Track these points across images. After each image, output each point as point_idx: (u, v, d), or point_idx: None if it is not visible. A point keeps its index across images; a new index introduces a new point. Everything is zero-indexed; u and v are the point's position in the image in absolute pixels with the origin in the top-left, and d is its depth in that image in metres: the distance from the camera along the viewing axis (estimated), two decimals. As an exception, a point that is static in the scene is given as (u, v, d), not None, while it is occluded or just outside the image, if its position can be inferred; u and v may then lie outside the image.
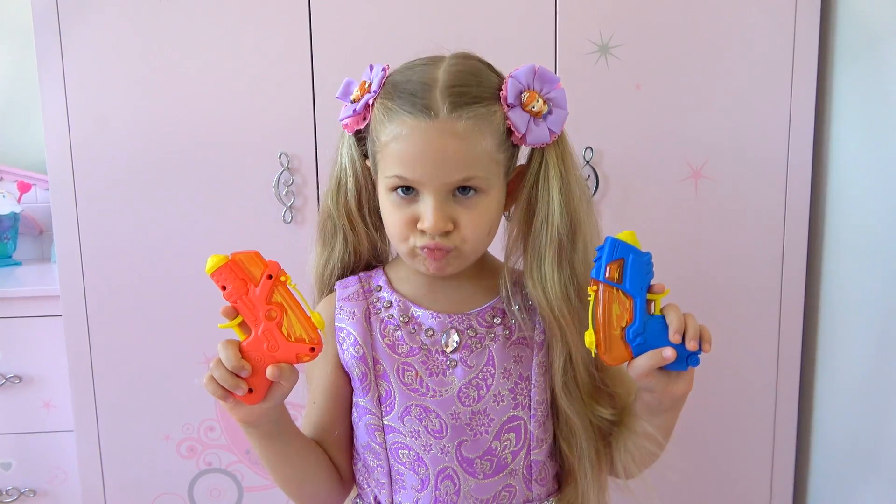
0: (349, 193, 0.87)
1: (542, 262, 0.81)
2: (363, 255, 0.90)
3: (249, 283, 0.74)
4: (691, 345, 0.74)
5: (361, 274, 0.90)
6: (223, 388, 0.74)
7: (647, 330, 0.75)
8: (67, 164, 1.37)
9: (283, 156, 1.38)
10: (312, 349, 0.74)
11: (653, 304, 0.76)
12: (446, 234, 0.78)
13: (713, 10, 1.37)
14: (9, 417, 1.59)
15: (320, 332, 0.75)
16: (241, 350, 0.74)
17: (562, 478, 0.91)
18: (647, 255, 0.76)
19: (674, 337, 0.74)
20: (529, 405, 0.86)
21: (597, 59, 1.38)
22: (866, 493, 1.34)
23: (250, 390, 0.74)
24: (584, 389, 0.85)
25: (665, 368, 0.76)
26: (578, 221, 0.82)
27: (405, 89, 0.78)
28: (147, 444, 1.46)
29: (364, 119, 0.82)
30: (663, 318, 0.75)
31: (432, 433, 0.84)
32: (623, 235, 0.76)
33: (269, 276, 0.74)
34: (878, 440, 1.31)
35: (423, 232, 0.78)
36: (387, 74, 0.81)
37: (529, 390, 0.86)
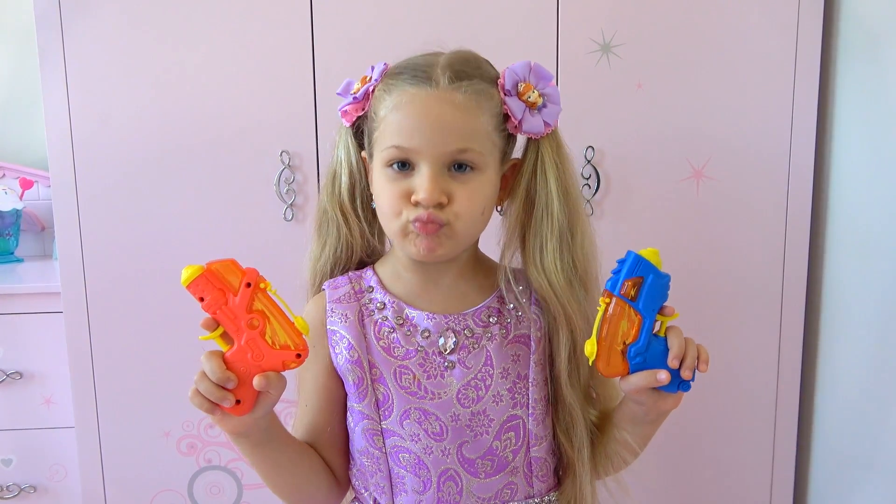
0: (343, 185, 0.87)
1: (544, 251, 0.82)
2: (356, 250, 0.90)
3: (228, 292, 0.72)
4: (686, 374, 0.75)
5: (351, 274, 0.89)
6: (210, 400, 0.73)
7: (649, 350, 0.75)
8: (69, 162, 1.37)
9: (284, 153, 1.38)
10: (298, 355, 0.73)
11: (659, 323, 0.77)
12: (440, 207, 0.78)
13: (715, 9, 1.37)
14: (9, 414, 1.59)
15: (305, 338, 0.73)
16: (225, 361, 0.72)
17: (560, 472, 0.91)
18: (667, 278, 0.76)
19: (672, 362, 0.75)
20: (528, 403, 0.85)
21: (598, 58, 1.38)
22: (867, 494, 1.34)
23: (238, 401, 0.73)
24: (584, 381, 0.86)
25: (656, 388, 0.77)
26: (577, 213, 0.83)
27: (406, 68, 0.80)
28: (147, 441, 1.47)
29: (363, 109, 0.83)
30: (665, 339, 0.76)
31: (432, 436, 0.83)
32: (646, 253, 0.75)
33: (248, 284, 0.72)
34: (880, 441, 1.30)
35: (416, 206, 0.78)
36: (387, 68, 0.82)
37: (528, 389, 0.85)
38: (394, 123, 0.78)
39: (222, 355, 0.73)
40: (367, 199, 0.87)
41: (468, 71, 0.79)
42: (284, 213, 1.40)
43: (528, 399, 0.85)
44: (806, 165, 1.42)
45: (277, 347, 0.72)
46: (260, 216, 1.40)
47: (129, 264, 1.41)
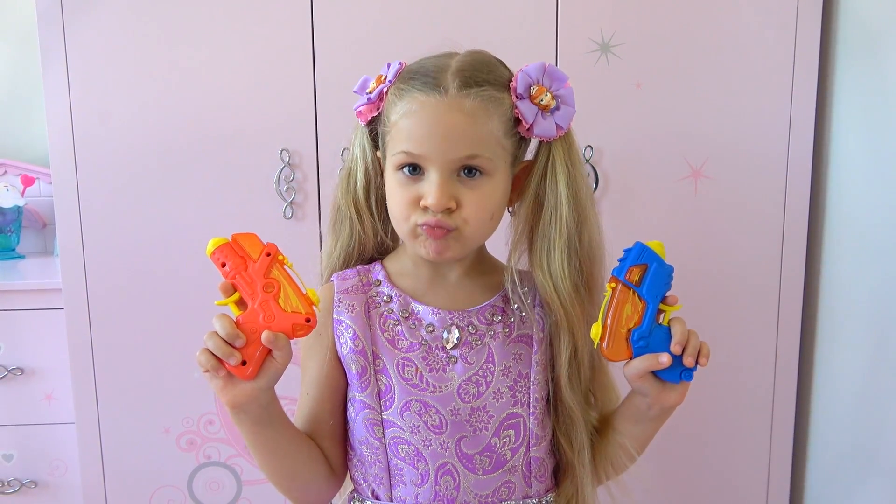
0: (358, 183, 0.88)
1: (551, 254, 0.83)
2: (368, 247, 0.91)
3: (248, 260, 0.76)
4: (688, 360, 0.78)
5: (360, 267, 0.90)
6: (216, 358, 0.74)
7: (652, 336, 0.78)
8: (70, 159, 1.38)
9: (283, 152, 1.38)
10: (308, 320, 0.75)
11: (663, 314, 0.80)
12: (449, 212, 0.79)
13: (714, 9, 1.38)
14: (10, 409, 1.60)
15: (316, 310, 0.76)
16: (236, 324, 0.75)
17: (558, 473, 0.92)
18: (670, 268, 0.80)
19: (674, 348, 0.78)
20: (528, 402, 0.86)
21: (597, 57, 1.38)
22: (864, 494, 1.35)
23: (243, 363, 0.75)
24: (584, 384, 0.87)
25: (659, 376, 0.79)
26: (585, 216, 0.84)
27: (418, 73, 0.80)
28: (147, 437, 1.47)
29: (378, 109, 0.83)
30: (669, 328, 0.79)
31: (432, 429, 0.84)
32: (652, 244, 0.79)
33: (268, 254, 0.76)
34: (876, 441, 1.31)
35: (425, 210, 0.79)
36: (403, 67, 0.83)
37: (529, 388, 0.86)
38: (404, 130, 0.79)
39: (235, 319, 0.76)
40: (382, 197, 0.88)
41: (478, 77, 0.79)
42: (284, 212, 1.40)
43: (529, 398, 0.86)
44: (804, 165, 1.43)
45: (289, 311, 0.75)
46: (260, 214, 1.40)
47: (129, 261, 1.41)
